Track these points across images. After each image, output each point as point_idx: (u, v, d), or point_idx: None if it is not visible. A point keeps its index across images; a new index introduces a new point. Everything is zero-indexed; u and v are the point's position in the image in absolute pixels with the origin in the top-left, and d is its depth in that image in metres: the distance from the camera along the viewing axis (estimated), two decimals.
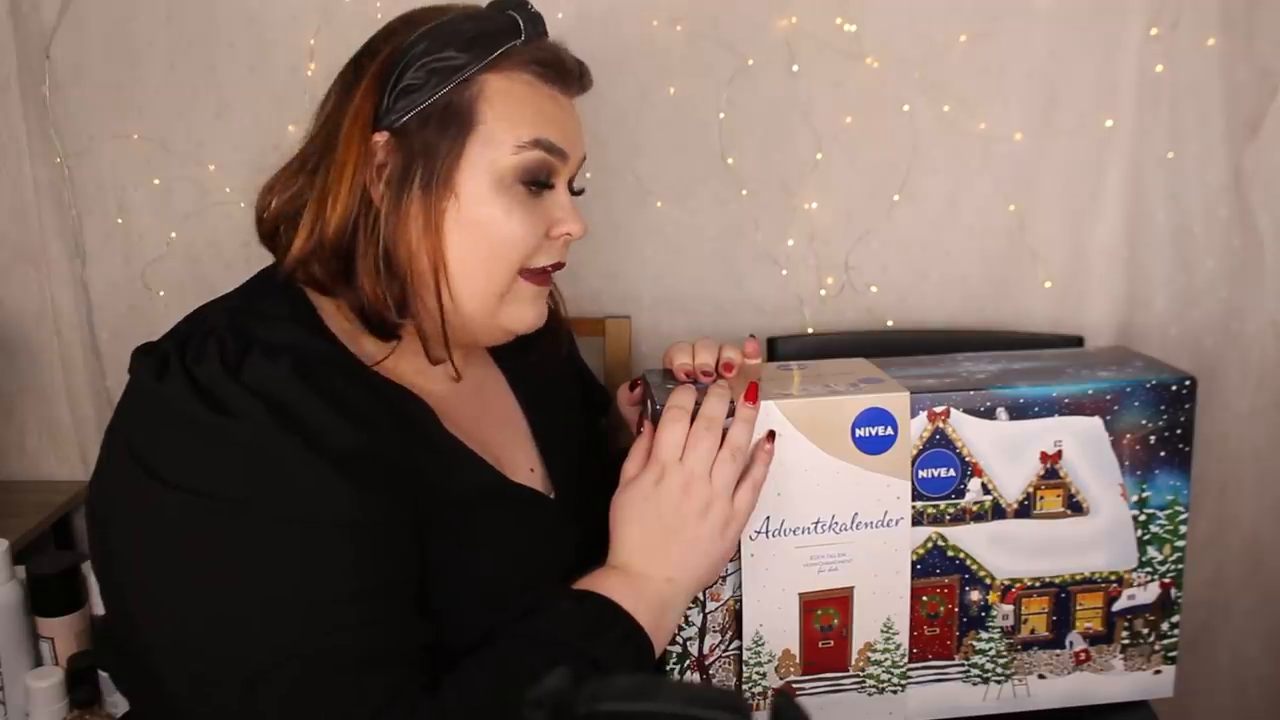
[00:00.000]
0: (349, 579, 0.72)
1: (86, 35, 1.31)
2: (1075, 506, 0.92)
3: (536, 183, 0.83)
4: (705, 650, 0.90)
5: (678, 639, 0.90)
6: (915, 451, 0.89)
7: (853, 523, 0.88)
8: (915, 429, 0.88)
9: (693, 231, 1.35)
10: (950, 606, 0.92)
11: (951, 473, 0.90)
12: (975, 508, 0.91)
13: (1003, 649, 0.94)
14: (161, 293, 1.38)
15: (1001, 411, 0.89)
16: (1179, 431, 0.92)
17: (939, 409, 0.88)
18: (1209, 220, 1.33)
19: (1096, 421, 0.90)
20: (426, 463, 0.80)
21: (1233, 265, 1.34)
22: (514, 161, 0.82)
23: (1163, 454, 0.92)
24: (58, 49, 1.32)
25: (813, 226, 1.35)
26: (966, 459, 0.90)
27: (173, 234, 1.37)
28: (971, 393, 0.89)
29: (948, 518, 0.91)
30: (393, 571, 0.74)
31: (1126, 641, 0.95)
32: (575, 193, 0.89)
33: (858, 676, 0.92)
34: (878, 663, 0.92)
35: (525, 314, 0.86)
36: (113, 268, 1.38)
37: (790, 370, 0.95)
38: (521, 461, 0.92)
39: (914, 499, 0.89)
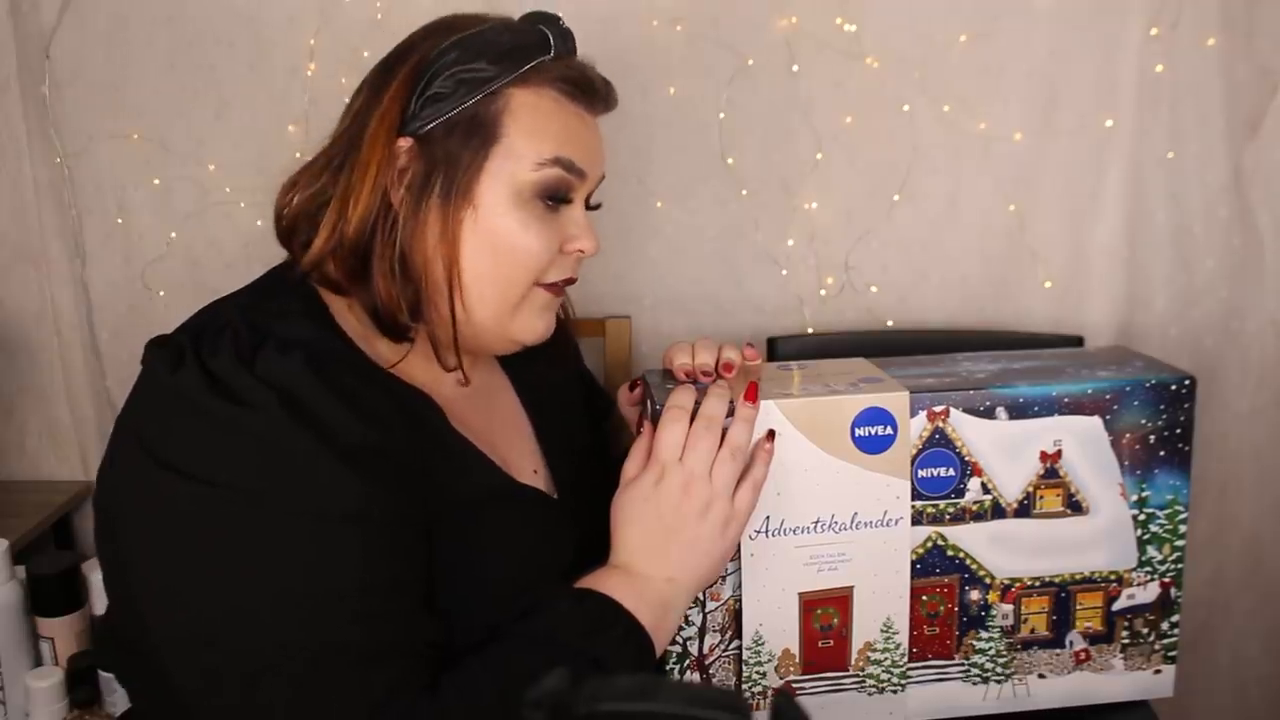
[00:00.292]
0: (357, 573, 0.72)
1: (86, 35, 1.31)
2: (1075, 506, 0.92)
3: (554, 198, 0.85)
4: (705, 650, 0.90)
5: (678, 639, 0.90)
6: (915, 451, 0.89)
7: (852, 522, 0.88)
8: (915, 428, 0.88)
9: (693, 231, 1.35)
10: (950, 606, 0.92)
11: (951, 472, 0.90)
12: (975, 507, 0.91)
13: (1003, 648, 0.94)
14: (161, 293, 1.38)
15: (1001, 411, 0.89)
16: (1179, 431, 0.92)
17: (939, 408, 0.88)
18: (1209, 220, 1.33)
19: (1096, 421, 0.90)
20: (436, 462, 0.81)
21: (1233, 265, 1.34)
22: (534, 178, 0.83)
23: (1162, 454, 0.92)
24: (57, 49, 1.32)
25: (813, 226, 1.35)
26: (966, 458, 0.90)
27: (173, 234, 1.37)
28: (971, 392, 0.89)
29: (947, 517, 0.91)
30: (400, 568, 0.74)
31: (1126, 641, 0.95)
32: (592, 207, 0.90)
33: (858, 676, 0.92)
34: (877, 662, 0.92)
35: (535, 325, 0.87)
36: (113, 268, 1.38)
37: (790, 370, 0.95)
38: (526, 463, 0.93)
39: (914, 499, 0.89)
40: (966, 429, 0.89)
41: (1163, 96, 1.29)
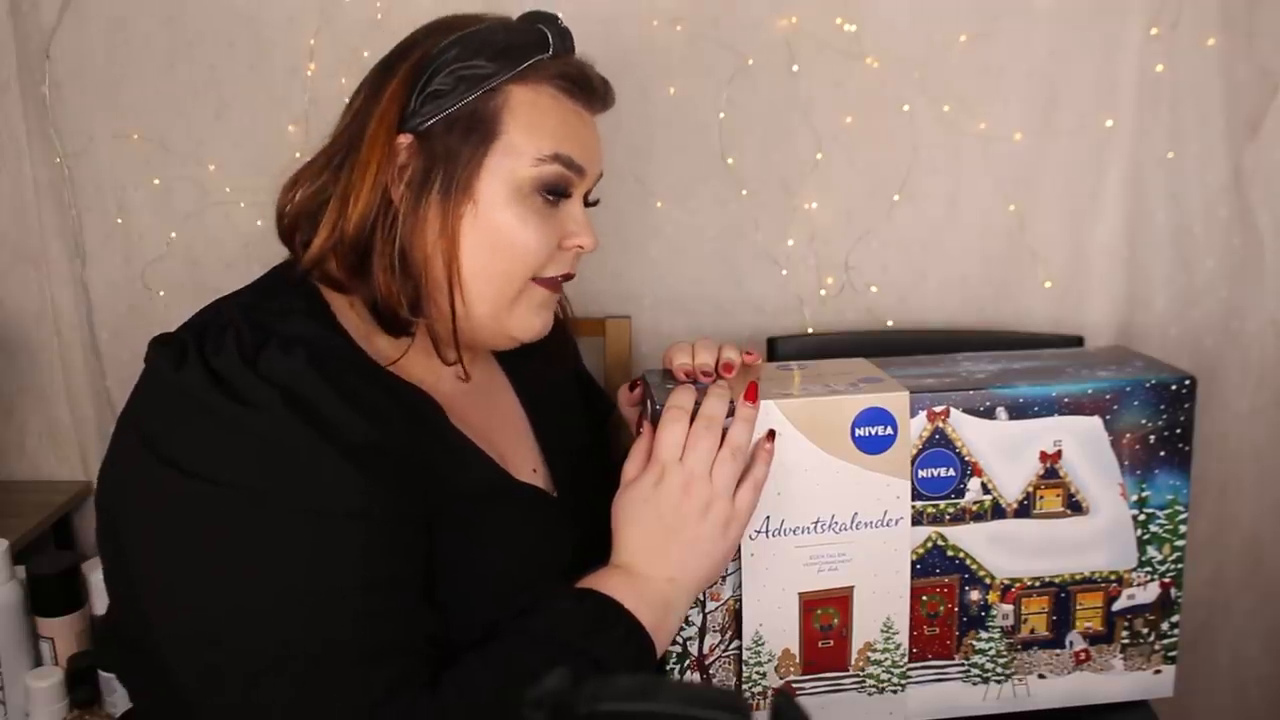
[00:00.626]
0: (359, 571, 0.72)
1: (86, 35, 1.31)
2: (1075, 506, 0.92)
3: (553, 194, 0.85)
4: (705, 650, 0.90)
5: (678, 639, 0.90)
6: (915, 451, 0.89)
7: (853, 522, 0.88)
8: (915, 429, 0.88)
9: (693, 231, 1.35)
10: (950, 606, 0.92)
11: (951, 472, 0.90)
12: (975, 507, 0.91)
13: (1003, 649, 0.94)
14: (161, 293, 1.38)
15: (1001, 411, 0.89)
16: (1179, 431, 0.92)
17: (939, 409, 0.88)
18: (1209, 220, 1.33)
19: (1096, 421, 0.90)
20: (436, 459, 0.81)
21: (1233, 265, 1.34)
22: (533, 173, 0.83)
23: (1162, 454, 0.92)
24: (57, 49, 1.32)
25: (813, 226, 1.35)
26: (966, 459, 0.90)
27: (173, 234, 1.37)
28: (971, 392, 0.89)
29: (947, 517, 0.91)
30: (401, 565, 0.75)
31: (1126, 641, 0.95)
32: (590, 204, 0.91)
33: (858, 676, 0.92)
34: (878, 662, 0.92)
35: (532, 322, 0.88)
36: (113, 268, 1.38)
37: (790, 370, 0.95)
38: (524, 461, 0.93)
39: (914, 499, 0.89)
40: (966, 429, 0.89)
41: (1163, 96, 1.29)
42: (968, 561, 0.92)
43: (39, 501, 1.37)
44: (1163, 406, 0.91)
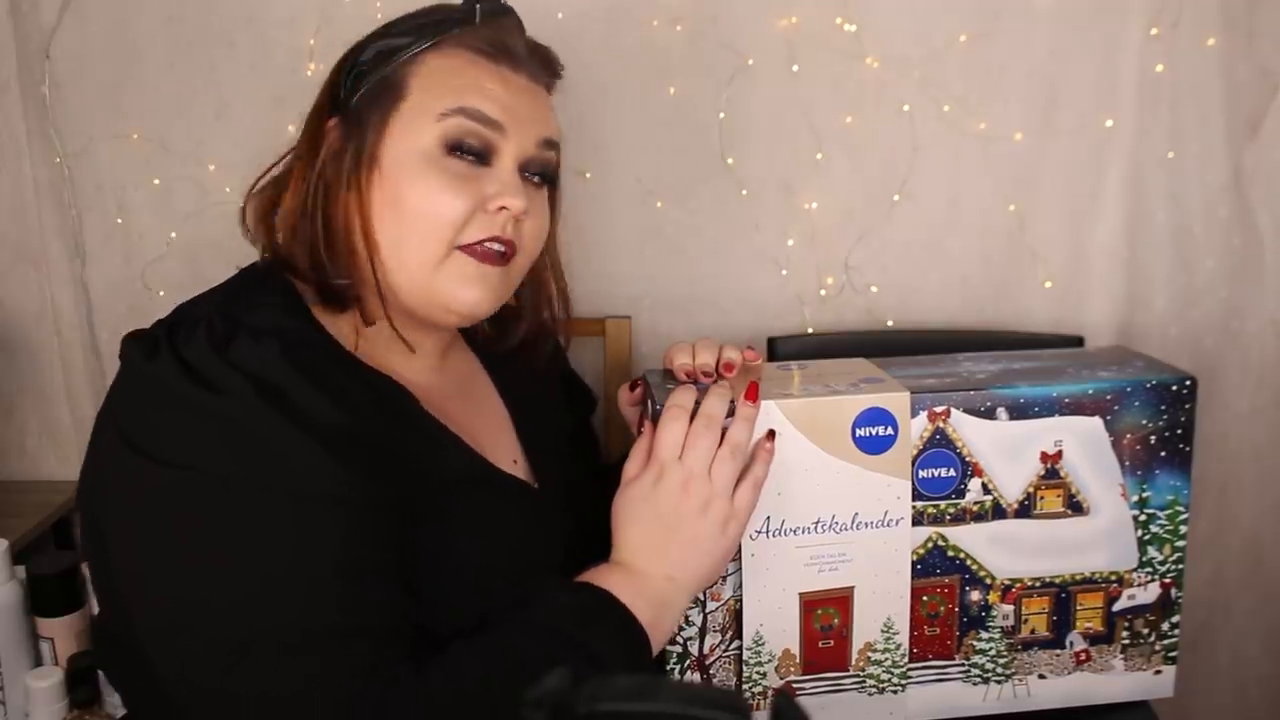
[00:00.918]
0: (332, 554, 0.72)
1: (86, 35, 1.31)
2: (1075, 506, 0.92)
3: (472, 152, 0.83)
4: (705, 650, 0.90)
5: (678, 639, 0.90)
6: (915, 451, 0.89)
7: (853, 523, 0.88)
8: (915, 429, 0.88)
9: (693, 231, 1.35)
10: (950, 606, 0.92)
11: (952, 473, 0.90)
12: (975, 508, 0.91)
13: (1003, 649, 0.94)
14: (161, 293, 1.38)
15: (1002, 411, 0.89)
16: (1179, 431, 0.92)
17: (939, 409, 0.88)
18: (1209, 220, 1.33)
19: (1097, 421, 0.90)
20: (410, 445, 0.81)
21: (1233, 265, 1.34)
22: (437, 130, 0.82)
23: (1163, 454, 0.92)
24: (58, 49, 1.32)
25: (813, 226, 1.35)
26: (967, 459, 0.89)
27: (173, 234, 1.37)
28: (972, 393, 0.89)
29: (948, 518, 0.91)
30: (378, 550, 0.75)
31: (1127, 641, 0.95)
32: (537, 176, 0.88)
33: (858, 676, 0.92)
34: (878, 663, 0.92)
35: (460, 293, 0.83)
36: (113, 268, 1.38)
37: (790, 370, 0.95)
38: (505, 454, 0.93)
39: (914, 499, 0.89)
40: (967, 429, 0.89)
41: (1163, 96, 1.29)
42: (968, 562, 0.92)
43: (39, 501, 1.37)
44: (1163, 407, 0.91)
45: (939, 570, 0.91)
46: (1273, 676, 1.45)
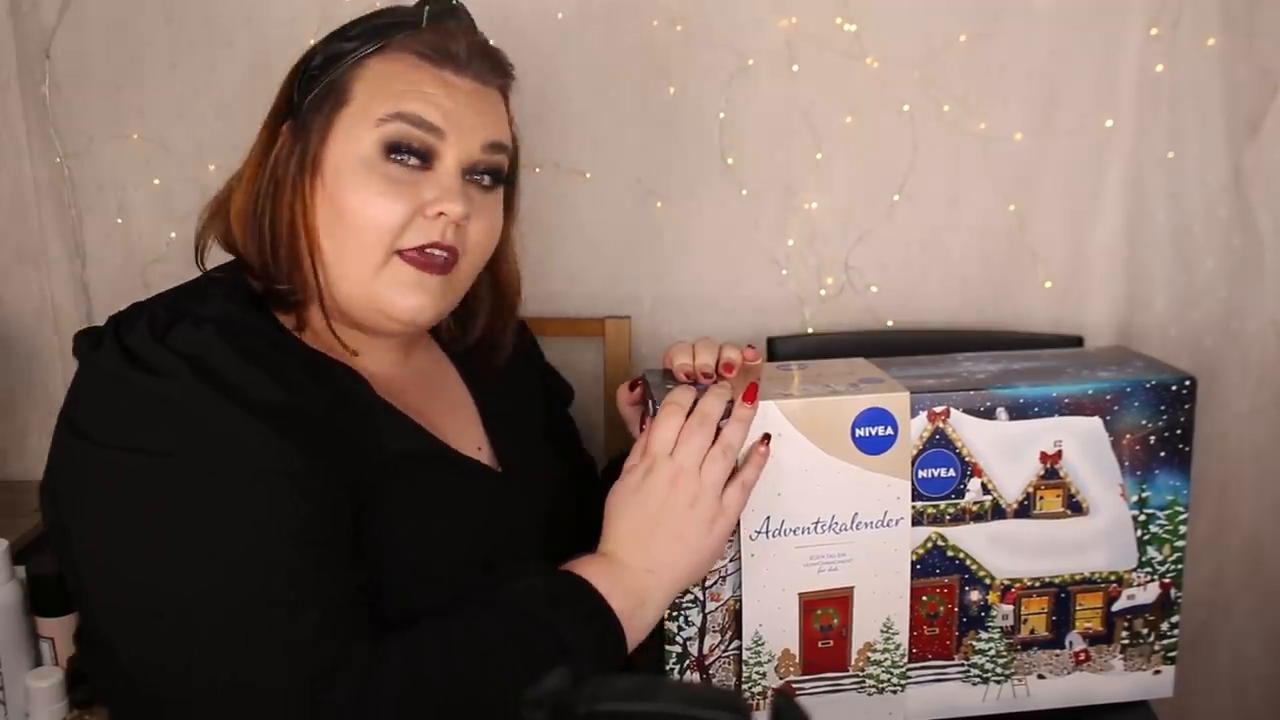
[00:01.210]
0: (277, 526, 0.73)
1: (86, 35, 1.31)
2: (1075, 506, 0.92)
3: (413, 154, 0.82)
4: (705, 650, 0.90)
5: (678, 639, 0.90)
6: (915, 451, 0.89)
7: (853, 523, 0.88)
8: (915, 429, 0.88)
9: (693, 231, 1.35)
10: (950, 606, 0.92)
11: (951, 473, 0.90)
12: (975, 508, 0.91)
13: (1002, 649, 0.94)
14: None
15: (1001, 411, 0.89)
16: (1179, 431, 0.92)
17: (939, 409, 0.88)
18: (1209, 220, 1.33)
19: (1096, 421, 0.90)
20: (357, 426, 0.81)
21: (1233, 265, 1.34)
22: (376, 135, 0.82)
23: (1163, 454, 0.92)
24: (58, 49, 1.32)
25: (813, 226, 1.35)
26: (966, 459, 0.90)
27: (173, 234, 1.37)
28: (971, 393, 0.89)
29: (948, 518, 0.91)
30: (319, 519, 0.75)
31: (1126, 641, 0.95)
32: (486, 177, 0.86)
33: (857, 676, 0.92)
34: (877, 663, 0.92)
35: (399, 300, 0.83)
36: (113, 268, 1.38)
37: (790, 370, 0.95)
38: (467, 440, 0.92)
39: (914, 499, 0.89)
40: (967, 429, 0.89)
41: (1163, 96, 1.29)
42: (968, 562, 0.92)
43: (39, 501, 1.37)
44: (1163, 407, 0.91)
45: (938, 570, 0.91)
46: (1273, 676, 1.45)
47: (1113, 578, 0.94)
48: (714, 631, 0.90)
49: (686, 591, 0.88)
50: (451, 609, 0.77)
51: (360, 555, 0.77)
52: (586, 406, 1.36)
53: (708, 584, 0.89)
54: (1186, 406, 0.92)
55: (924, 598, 0.91)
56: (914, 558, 0.90)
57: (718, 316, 1.37)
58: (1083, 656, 0.95)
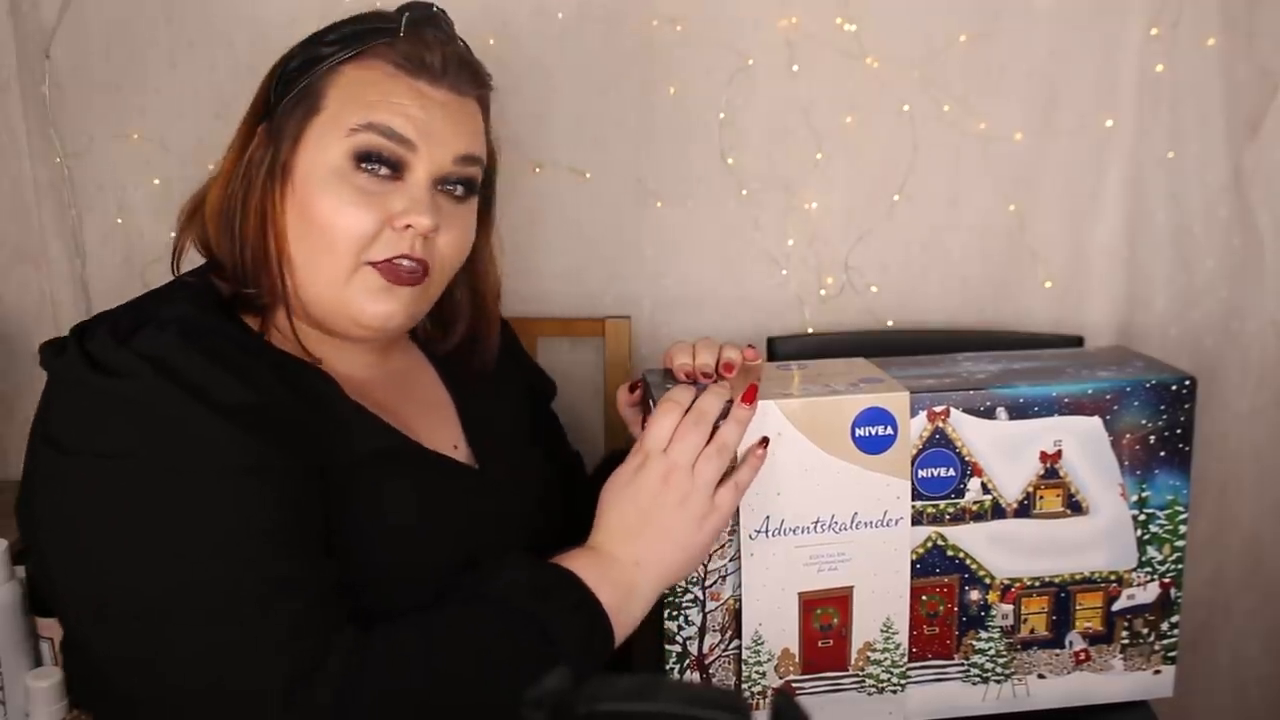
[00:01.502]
0: (245, 521, 0.73)
1: (86, 35, 1.31)
2: (1075, 506, 0.92)
3: (384, 164, 0.82)
4: (705, 650, 0.90)
5: (678, 639, 0.90)
6: (915, 451, 0.89)
7: (852, 522, 0.88)
8: (915, 429, 0.88)
9: (693, 231, 1.35)
10: (950, 606, 0.92)
11: (951, 472, 0.90)
12: (975, 507, 0.91)
13: (1002, 649, 0.94)
14: None
15: (1001, 411, 0.89)
16: (1179, 431, 0.92)
17: (939, 409, 0.88)
18: (1209, 220, 1.33)
19: (1096, 421, 0.90)
20: (324, 425, 0.81)
21: (1233, 265, 1.34)
22: (346, 145, 0.82)
23: (1163, 454, 0.92)
24: (58, 49, 1.32)
25: (813, 226, 1.35)
26: (966, 459, 0.90)
27: (172, 234, 1.36)
28: (971, 392, 0.89)
29: (947, 517, 0.91)
30: (289, 516, 0.75)
31: (1126, 641, 0.95)
32: (459, 188, 0.86)
33: (857, 676, 0.92)
34: (877, 662, 0.92)
35: (368, 308, 0.83)
36: (113, 268, 1.38)
37: (790, 370, 0.95)
38: (443, 438, 0.92)
39: (914, 499, 0.89)
40: (967, 429, 0.89)
41: (1163, 96, 1.29)
42: (967, 561, 0.92)
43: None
44: (1163, 407, 0.91)
45: (938, 570, 0.91)
46: (1273, 676, 1.45)
47: (1113, 577, 0.94)
48: (714, 631, 0.90)
49: (686, 591, 0.89)
50: (434, 604, 0.77)
51: (333, 553, 0.77)
52: (586, 406, 1.36)
53: (708, 584, 0.89)
54: (1186, 406, 0.92)
55: (924, 597, 0.91)
56: (914, 557, 0.90)
57: (718, 316, 1.37)
58: (1083, 656, 0.95)
